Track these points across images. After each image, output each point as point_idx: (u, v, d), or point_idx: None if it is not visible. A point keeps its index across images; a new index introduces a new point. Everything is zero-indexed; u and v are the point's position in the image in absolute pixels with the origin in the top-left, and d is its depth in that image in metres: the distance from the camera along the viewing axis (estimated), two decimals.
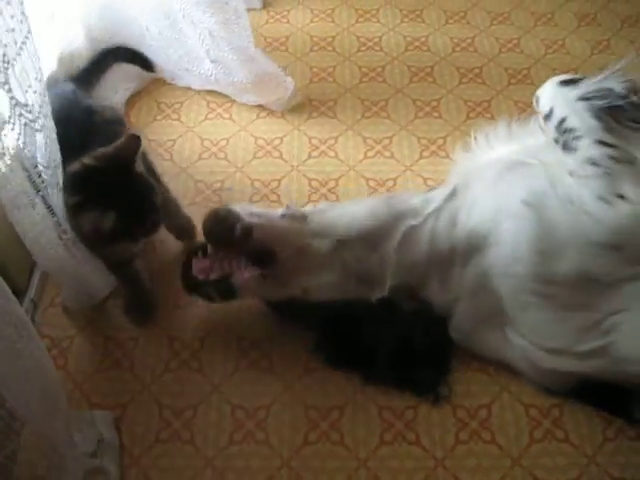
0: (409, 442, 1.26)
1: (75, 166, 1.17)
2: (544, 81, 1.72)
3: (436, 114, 1.78)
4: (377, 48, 1.96)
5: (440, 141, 1.72)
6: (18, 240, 1.36)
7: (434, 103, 1.80)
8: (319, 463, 1.23)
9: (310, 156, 1.68)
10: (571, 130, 1.21)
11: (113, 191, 1.16)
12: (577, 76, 1.33)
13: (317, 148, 1.69)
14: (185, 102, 1.80)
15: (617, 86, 1.22)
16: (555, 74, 1.77)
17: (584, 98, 1.23)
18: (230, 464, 1.23)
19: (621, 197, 1.13)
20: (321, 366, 1.34)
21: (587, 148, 1.18)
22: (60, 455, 1.09)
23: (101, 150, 1.18)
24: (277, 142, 1.71)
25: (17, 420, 1.12)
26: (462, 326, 1.28)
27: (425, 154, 1.69)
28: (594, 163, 1.16)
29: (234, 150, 1.70)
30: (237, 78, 1.69)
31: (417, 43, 1.97)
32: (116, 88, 1.72)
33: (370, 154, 1.69)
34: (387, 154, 1.69)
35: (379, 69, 1.89)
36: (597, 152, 1.17)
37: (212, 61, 1.67)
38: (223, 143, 1.72)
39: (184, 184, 1.62)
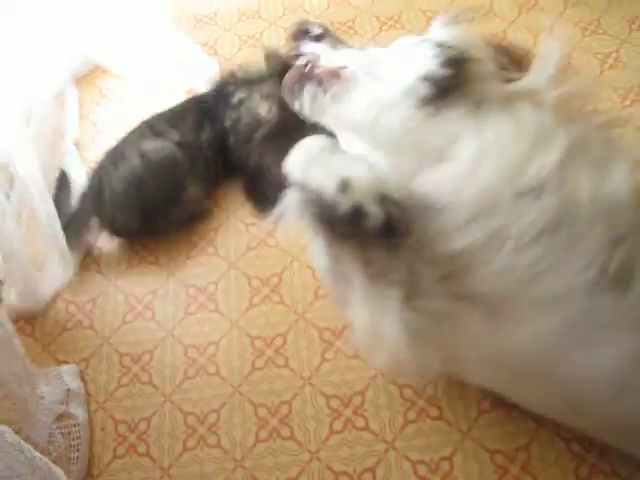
0: (348, 356, 1.37)
1: None
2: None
3: None
4: (301, 10, 2.06)
5: None
6: None
7: None
8: (267, 386, 1.35)
9: None
10: None
11: None
12: None
13: None
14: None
15: None
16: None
17: None
18: (186, 397, 1.35)
19: None
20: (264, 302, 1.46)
21: None
22: (26, 404, 1.21)
23: None
24: None
25: None
26: None
27: None
28: None
29: None
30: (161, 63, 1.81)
31: (339, 0, 2.07)
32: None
33: None
34: None
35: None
36: None
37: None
38: None
39: None
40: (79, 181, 1.62)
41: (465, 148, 1.01)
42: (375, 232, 0.93)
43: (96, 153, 1.63)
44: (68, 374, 1.37)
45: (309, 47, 1.25)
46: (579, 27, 1.87)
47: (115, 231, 1.53)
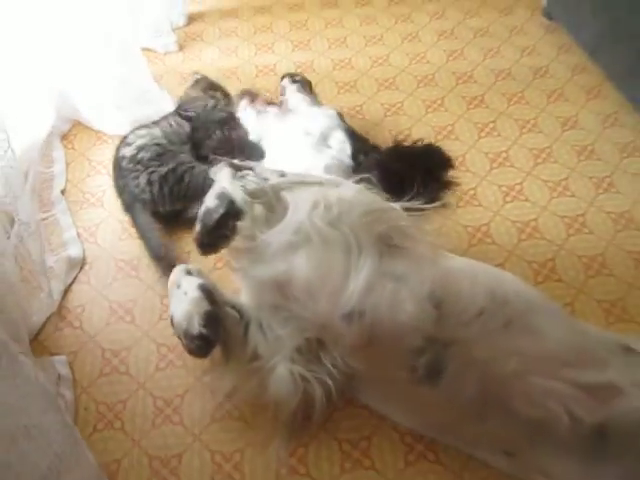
0: None
1: None
2: (407, 86, 2.20)
3: None
4: (272, 74, 2.43)
5: None
6: None
7: None
8: None
9: None
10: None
11: None
12: None
13: None
14: None
15: None
16: (416, 80, 2.26)
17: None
18: (157, 385, 1.63)
19: None
20: None
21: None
22: None
23: None
24: None
25: None
26: None
27: None
28: None
29: None
30: (138, 117, 2.11)
31: (304, 67, 2.45)
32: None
33: None
34: None
35: (273, 89, 2.34)
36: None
37: (117, 107, 2.13)
38: None
39: None
40: (68, 224, 1.96)
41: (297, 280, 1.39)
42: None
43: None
44: (59, 363, 1.65)
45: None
46: (547, 186, 2.06)
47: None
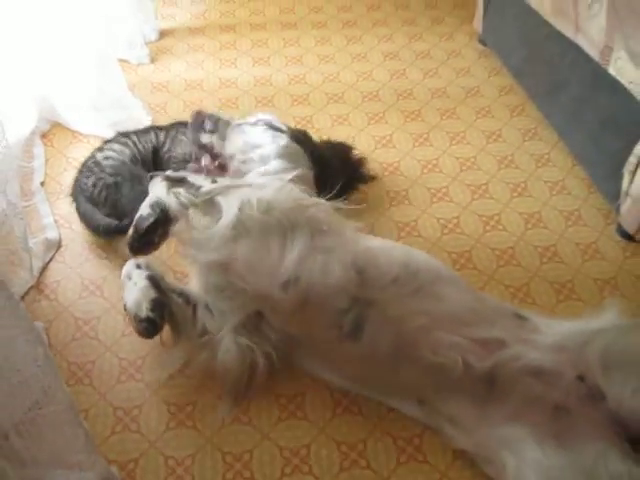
0: None
1: None
2: (354, 100, 2.48)
3: None
4: (234, 86, 2.71)
5: None
6: None
7: None
8: None
9: None
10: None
11: None
12: None
13: None
14: None
15: None
16: (362, 95, 2.55)
17: None
18: (122, 348, 1.87)
19: None
20: None
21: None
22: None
23: None
24: None
25: None
26: None
27: None
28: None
29: None
30: (113, 120, 2.40)
31: (263, 80, 2.74)
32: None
33: None
34: None
35: (234, 99, 2.63)
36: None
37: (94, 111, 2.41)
38: None
39: None
40: (46, 212, 2.22)
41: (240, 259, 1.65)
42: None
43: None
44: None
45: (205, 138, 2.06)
46: (470, 190, 2.35)
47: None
